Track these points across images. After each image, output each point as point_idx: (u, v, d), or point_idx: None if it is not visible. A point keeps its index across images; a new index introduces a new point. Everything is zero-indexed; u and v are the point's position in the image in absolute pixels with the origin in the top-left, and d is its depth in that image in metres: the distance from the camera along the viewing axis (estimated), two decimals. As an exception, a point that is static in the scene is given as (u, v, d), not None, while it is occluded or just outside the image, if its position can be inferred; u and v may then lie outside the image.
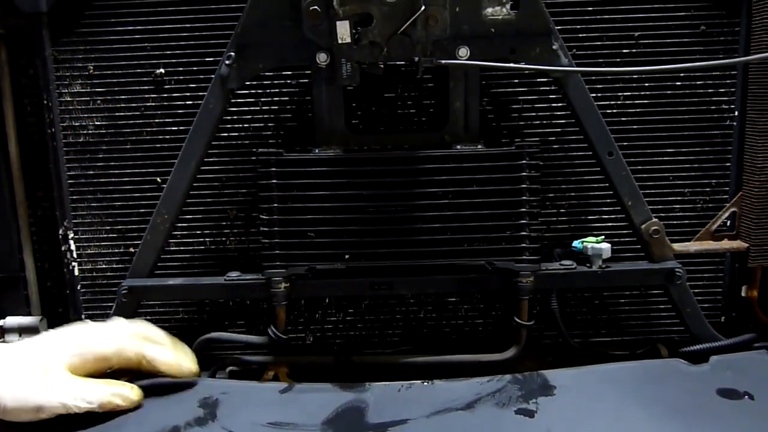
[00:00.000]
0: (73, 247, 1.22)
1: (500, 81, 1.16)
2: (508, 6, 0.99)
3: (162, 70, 1.16)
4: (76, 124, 1.18)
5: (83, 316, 1.23)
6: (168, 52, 1.16)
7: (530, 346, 1.13)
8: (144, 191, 1.20)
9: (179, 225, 1.18)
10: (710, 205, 1.20)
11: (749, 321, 1.21)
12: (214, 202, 1.20)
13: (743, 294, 1.20)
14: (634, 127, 1.17)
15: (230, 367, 1.17)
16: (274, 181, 1.04)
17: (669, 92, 1.16)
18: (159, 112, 1.18)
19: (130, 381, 0.92)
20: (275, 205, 1.04)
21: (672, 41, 1.14)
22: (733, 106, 1.16)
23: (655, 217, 1.10)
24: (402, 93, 1.18)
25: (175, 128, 1.18)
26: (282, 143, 1.17)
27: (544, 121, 1.18)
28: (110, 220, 1.21)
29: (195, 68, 1.16)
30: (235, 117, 1.18)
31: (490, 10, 0.99)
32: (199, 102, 1.07)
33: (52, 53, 1.16)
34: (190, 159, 1.07)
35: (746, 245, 1.15)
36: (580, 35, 1.14)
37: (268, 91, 1.17)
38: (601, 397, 0.92)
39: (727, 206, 1.17)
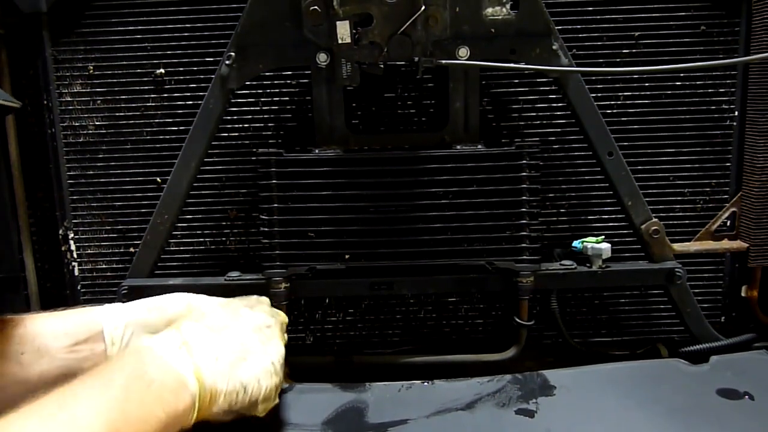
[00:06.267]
0: (73, 247, 1.22)
1: (500, 81, 1.16)
2: (508, 6, 0.99)
3: (162, 70, 1.16)
4: (76, 124, 1.19)
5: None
6: (168, 52, 1.16)
7: (530, 346, 1.13)
8: (144, 191, 1.20)
9: (179, 225, 1.18)
10: (710, 205, 1.20)
11: (749, 321, 1.21)
12: (214, 202, 1.20)
13: (743, 294, 1.20)
14: (635, 127, 1.17)
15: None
16: (274, 181, 1.04)
17: (669, 92, 1.16)
18: (159, 112, 1.18)
19: None
20: (275, 205, 1.04)
21: (672, 41, 1.14)
22: (733, 106, 1.16)
23: (656, 217, 1.10)
24: (402, 93, 1.18)
25: (175, 128, 1.18)
26: (282, 143, 1.17)
27: (544, 121, 1.18)
28: (110, 220, 1.22)
29: (195, 68, 1.16)
30: (235, 117, 1.18)
31: (490, 10, 0.99)
32: (199, 102, 1.07)
33: (52, 53, 1.16)
34: (190, 159, 1.07)
35: (746, 245, 1.15)
36: (580, 35, 1.14)
37: (268, 91, 1.17)
38: (601, 397, 0.92)
39: (727, 206, 1.17)
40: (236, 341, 0.79)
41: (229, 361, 0.77)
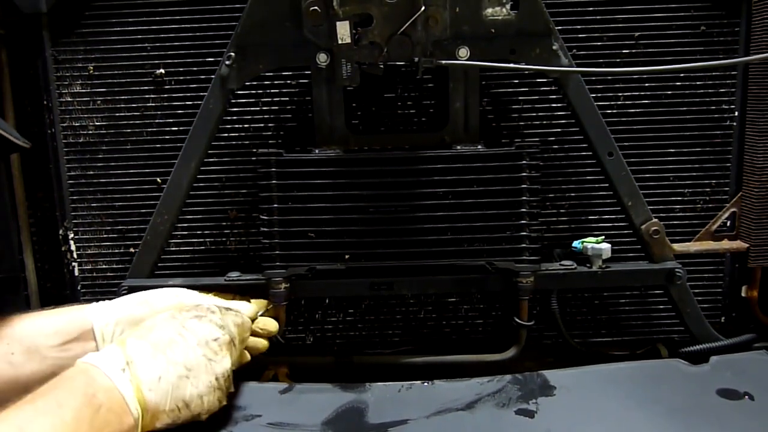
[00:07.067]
0: (73, 247, 1.22)
1: (500, 81, 1.16)
2: (508, 6, 0.99)
3: (162, 70, 1.16)
4: (76, 124, 1.19)
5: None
6: (168, 52, 1.16)
7: (530, 346, 1.13)
8: (144, 191, 1.20)
9: (179, 225, 1.18)
10: (710, 205, 1.20)
11: (749, 321, 1.21)
12: (214, 202, 1.20)
13: (743, 294, 1.20)
14: (635, 127, 1.17)
15: (230, 368, 1.17)
16: (274, 181, 1.04)
17: (669, 92, 1.16)
18: (159, 112, 1.18)
19: None
20: (275, 205, 1.04)
21: (672, 41, 1.14)
22: (733, 106, 1.16)
23: (656, 217, 1.10)
24: (402, 93, 1.18)
25: (175, 128, 1.18)
26: (282, 143, 1.17)
27: (544, 122, 1.18)
28: (110, 220, 1.21)
29: (195, 68, 1.16)
30: (235, 117, 1.18)
31: (490, 10, 0.99)
32: (199, 102, 1.07)
33: (52, 53, 1.16)
34: (190, 159, 1.07)
35: (746, 245, 1.15)
36: (580, 35, 1.14)
37: (268, 91, 1.17)
38: (601, 398, 0.92)
39: (727, 206, 1.17)
40: (179, 359, 0.79)
41: (172, 381, 0.77)
